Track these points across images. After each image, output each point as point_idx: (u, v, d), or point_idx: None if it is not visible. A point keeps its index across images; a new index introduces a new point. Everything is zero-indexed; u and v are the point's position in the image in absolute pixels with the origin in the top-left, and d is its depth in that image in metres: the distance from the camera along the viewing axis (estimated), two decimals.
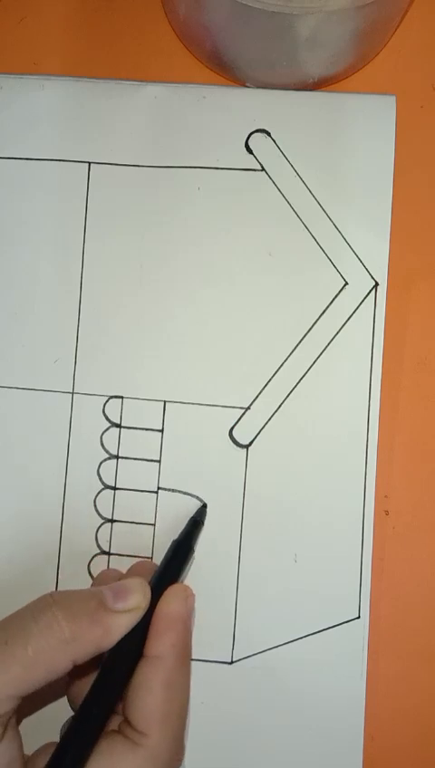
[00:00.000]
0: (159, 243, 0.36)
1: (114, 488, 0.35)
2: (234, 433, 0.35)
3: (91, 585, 0.33)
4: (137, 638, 0.29)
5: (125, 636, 0.28)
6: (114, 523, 0.35)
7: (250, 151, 0.36)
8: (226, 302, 0.35)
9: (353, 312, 0.35)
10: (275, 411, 0.35)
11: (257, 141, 0.36)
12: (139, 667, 0.29)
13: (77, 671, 0.28)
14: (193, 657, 0.32)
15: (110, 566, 0.35)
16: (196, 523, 0.34)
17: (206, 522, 0.34)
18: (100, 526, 0.35)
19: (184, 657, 0.29)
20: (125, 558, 0.35)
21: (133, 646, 0.29)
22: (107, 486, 0.35)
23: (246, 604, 0.34)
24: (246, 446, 0.35)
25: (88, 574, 0.35)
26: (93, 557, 0.35)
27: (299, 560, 0.34)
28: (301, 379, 0.35)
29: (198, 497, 0.35)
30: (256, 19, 0.30)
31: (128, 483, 0.35)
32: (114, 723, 0.29)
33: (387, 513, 0.35)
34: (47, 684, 0.27)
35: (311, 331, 0.35)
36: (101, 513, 0.35)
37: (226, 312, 0.35)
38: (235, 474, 0.35)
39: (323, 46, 0.32)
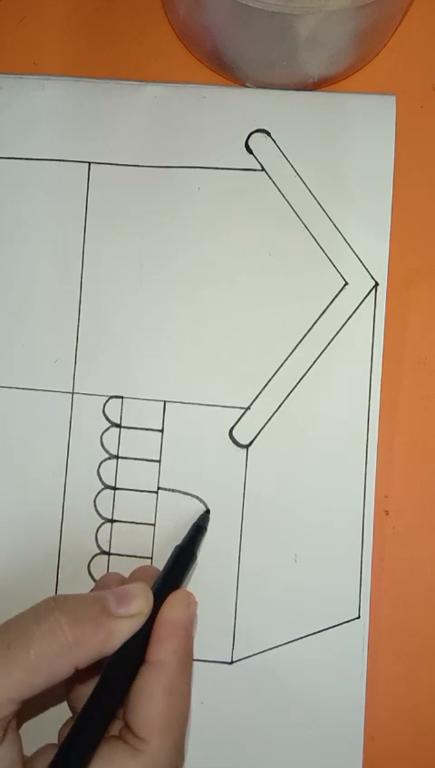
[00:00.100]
0: (159, 243, 0.36)
1: (114, 488, 0.35)
2: (234, 433, 0.35)
3: (93, 589, 0.33)
4: (139, 643, 0.29)
5: (127, 641, 0.28)
6: (114, 523, 0.35)
7: (250, 151, 0.36)
8: (226, 302, 0.35)
9: (353, 312, 0.35)
10: (275, 411, 0.35)
11: (257, 141, 0.36)
12: (140, 673, 0.29)
13: (77, 675, 0.28)
14: (193, 658, 0.32)
15: (110, 566, 0.35)
16: (199, 528, 0.34)
17: None
18: (100, 526, 0.35)
19: (186, 663, 0.29)
20: (125, 558, 0.35)
21: (135, 651, 0.29)
22: (107, 486, 0.35)
23: (246, 604, 0.34)
24: (246, 446, 0.35)
25: (88, 574, 0.35)
26: (93, 557, 0.35)
27: (299, 560, 0.34)
28: (301, 379, 0.35)
29: (198, 497, 0.35)
30: (256, 19, 0.30)
31: (128, 483, 0.35)
32: (115, 728, 0.29)
33: (387, 513, 0.35)
34: (48, 688, 0.27)
35: (311, 331, 0.35)
36: (101, 513, 0.35)
37: (226, 312, 0.35)
38: (235, 474, 0.35)
39: (323, 46, 0.32)
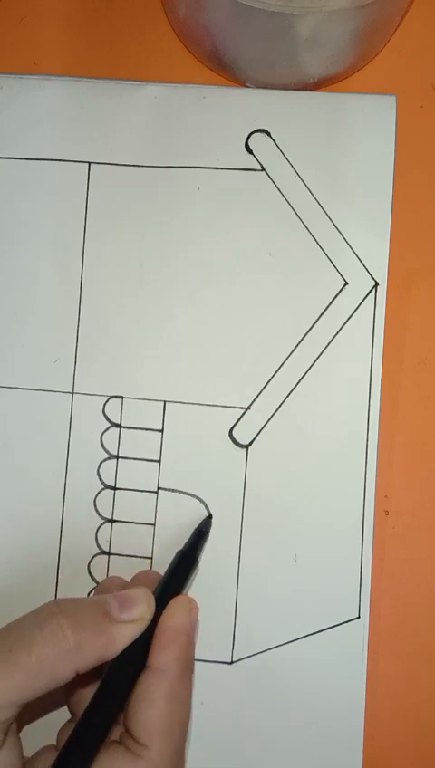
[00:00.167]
0: (159, 243, 0.36)
1: (114, 488, 0.35)
2: (234, 433, 0.35)
3: (95, 593, 0.33)
4: (140, 648, 0.29)
5: (128, 646, 0.28)
6: (114, 523, 0.35)
7: (250, 151, 0.36)
8: (226, 302, 0.35)
9: (353, 312, 0.35)
10: (275, 411, 0.35)
11: (257, 141, 0.36)
12: (141, 679, 0.29)
13: (78, 679, 0.28)
14: (194, 663, 0.32)
15: (110, 566, 0.35)
16: (201, 534, 0.34)
17: None
18: (100, 526, 0.35)
19: (187, 669, 0.29)
20: (125, 558, 0.35)
21: (136, 656, 0.29)
22: (107, 486, 0.35)
23: (246, 604, 0.34)
24: (246, 446, 0.35)
25: (88, 574, 0.35)
26: (93, 557, 0.35)
27: (299, 560, 0.34)
28: (301, 379, 0.35)
29: (198, 497, 0.35)
30: (256, 19, 0.30)
31: (128, 483, 0.35)
32: (115, 733, 0.29)
33: (387, 513, 0.35)
34: (48, 692, 0.27)
35: (311, 331, 0.35)
36: (101, 513, 0.35)
37: (226, 311, 0.35)
38: (235, 474, 0.35)
39: (323, 46, 0.32)
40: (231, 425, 0.35)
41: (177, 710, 0.28)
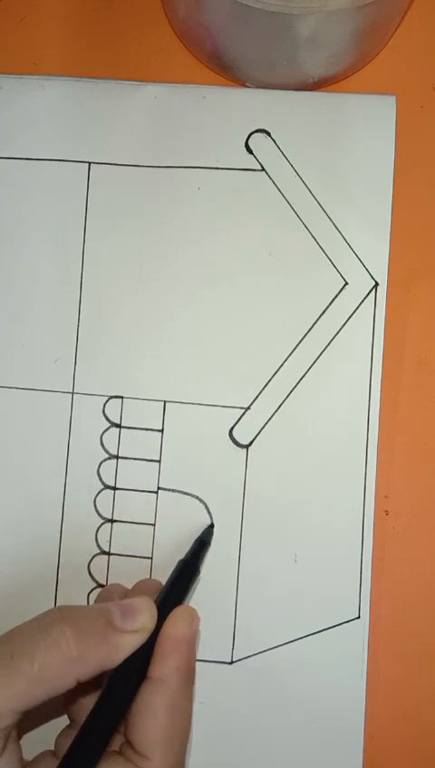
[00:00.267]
0: (159, 243, 0.36)
1: (114, 488, 0.35)
2: (234, 433, 0.35)
3: (96, 601, 0.33)
4: (141, 658, 0.29)
5: (130, 656, 0.28)
6: (114, 523, 0.35)
7: (250, 151, 0.36)
8: (226, 302, 0.35)
9: (353, 312, 0.35)
10: (275, 411, 0.35)
11: (257, 141, 0.36)
12: (142, 689, 0.28)
13: (78, 688, 0.28)
14: (195, 674, 0.31)
15: (110, 566, 0.35)
16: (202, 543, 0.33)
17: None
18: (100, 526, 0.35)
19: (188, 680, 0.29)
20: (125, 558, 0.35)
21: (137, 666, 0.29)
22: (107, 486, 0.35)
23: (246, 604, 0.34)
24: (246, 446, 0.35)
25: (88, 574, 0.35)
26: (93, 557, 0.35)
27: (299, 560, 0.34)
28: (301, 379, 0.35)
29: (198, 497, 0.35)
30: (256, 19, 0.30)
31: (128, 483, 0.35)
32: (115, 743, 0.29)
33: (387, 513, 0.35)
34: (49, 700, 0.27)
35: (311, 331, 0.35)
36: (101, 513, 0.35)
37: (226, 311, 0.35)
38: (235, 474, 0.35)
39: (323, 46, 0.32)
40: (231, 425, 0.35)
41: (178, 721, 0.28)
